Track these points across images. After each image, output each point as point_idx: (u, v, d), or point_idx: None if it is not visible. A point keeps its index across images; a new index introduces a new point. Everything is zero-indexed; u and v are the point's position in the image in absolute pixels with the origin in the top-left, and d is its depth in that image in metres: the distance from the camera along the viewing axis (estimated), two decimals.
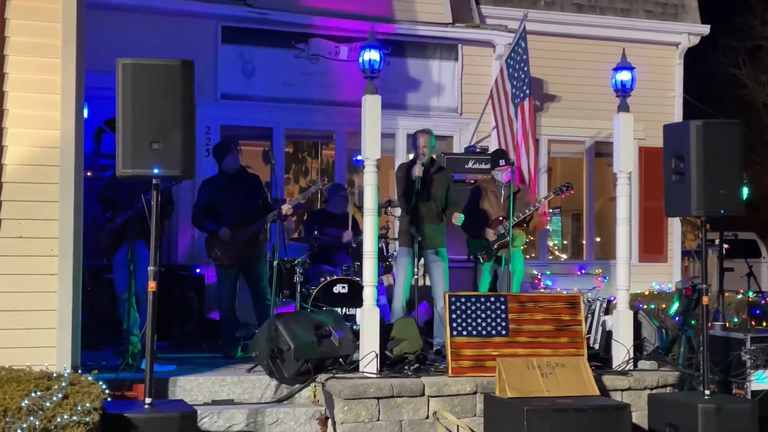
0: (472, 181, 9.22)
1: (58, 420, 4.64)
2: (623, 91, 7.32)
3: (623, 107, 7.29)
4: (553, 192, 8.40)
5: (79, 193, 5.96)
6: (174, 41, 9.42)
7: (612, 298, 7.81)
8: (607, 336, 7.35)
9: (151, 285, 5.29)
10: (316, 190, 8.29)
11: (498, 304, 6.79)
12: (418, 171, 7.44)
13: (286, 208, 7.46)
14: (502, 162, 8.16)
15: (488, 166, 8.79)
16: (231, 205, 7.66)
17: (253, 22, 10.00)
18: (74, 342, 5.85)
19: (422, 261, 7.59)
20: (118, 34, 9.07)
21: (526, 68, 9.92)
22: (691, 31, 11.86)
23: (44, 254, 5.79)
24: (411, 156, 7.79)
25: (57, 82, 5.87)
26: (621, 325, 7.14)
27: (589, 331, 7.40)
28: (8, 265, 5.73)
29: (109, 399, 5.22)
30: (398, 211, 8.18)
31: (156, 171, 5.17)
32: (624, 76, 7.32)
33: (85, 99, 6.14)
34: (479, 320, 6.71)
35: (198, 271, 9.04)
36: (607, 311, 7.54)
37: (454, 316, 6.69)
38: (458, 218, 7.60)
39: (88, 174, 7.83)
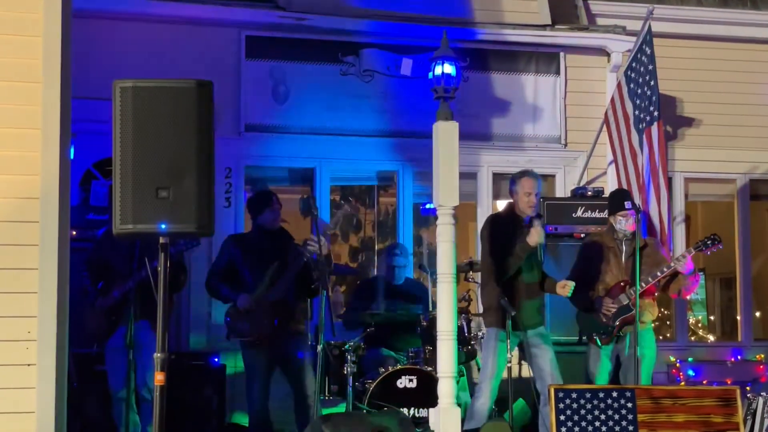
0: (582, 235, 9.20)
1: None
2: None
3: None
4: (694, 248, 8.31)
5: (65, 258, 6.11)
6: (186, 57, 9.66)
7: None
8: None
9: (158, 377, 5.34)
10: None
11: (623, 401, 6.76)
12: (540, 235, 7.45)
13: (314, 248, 7.43)
14: (628, 204, 8.08)
15: (603, 215, 8.78)
16: (259, 270, 7.78)
17: (287, 30, 10.18)
18: None
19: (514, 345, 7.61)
20: (115, 51, 9.35)
21: (653, 83, 9.93)
22: None
23: (19, 338, 5.93)
24: (504, 204, 7.83)
25: (37, 113, 6.07)
26: None
27: None
28: None
29: None
30: (479, 278, 8.20)
31: (163, 227, 5.27)
32: None
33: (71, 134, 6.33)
34: (597, 423, 6.67)
35: (216, 360, 9.13)
36: None
37: (562, 417, 6.67)
38: (568, 288, 7.64)
39: (73, 233, 8.00)
